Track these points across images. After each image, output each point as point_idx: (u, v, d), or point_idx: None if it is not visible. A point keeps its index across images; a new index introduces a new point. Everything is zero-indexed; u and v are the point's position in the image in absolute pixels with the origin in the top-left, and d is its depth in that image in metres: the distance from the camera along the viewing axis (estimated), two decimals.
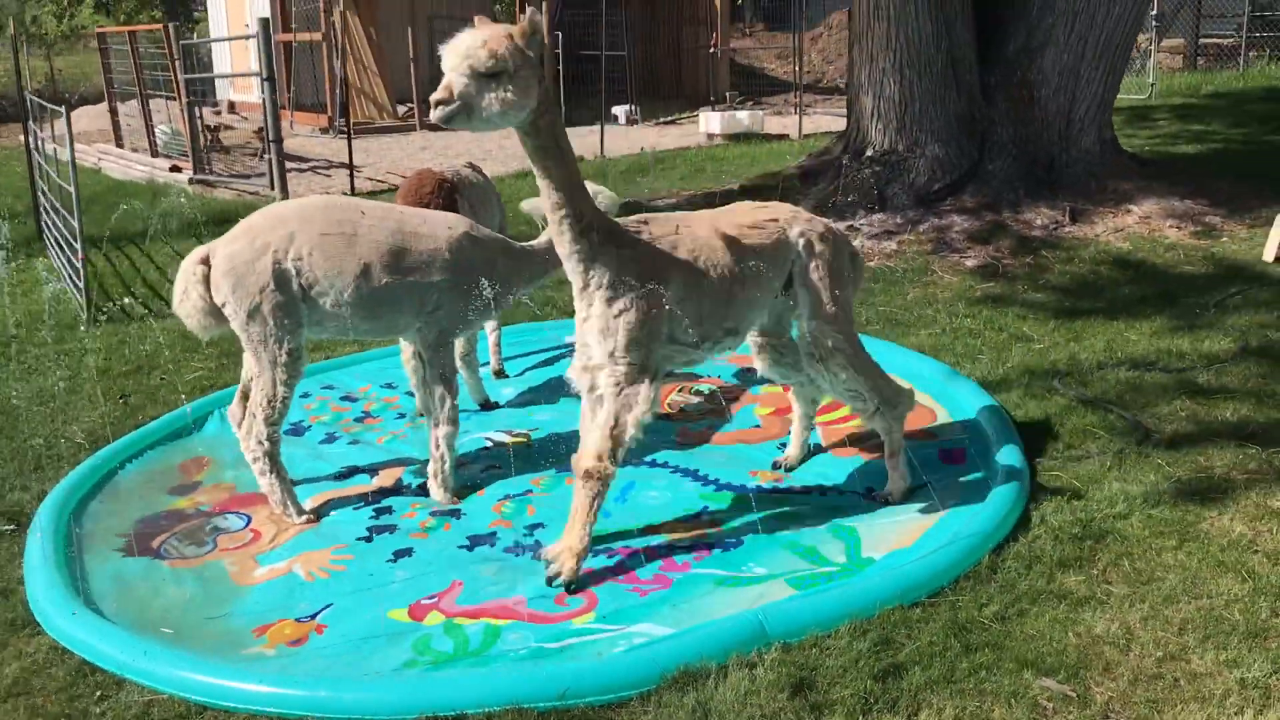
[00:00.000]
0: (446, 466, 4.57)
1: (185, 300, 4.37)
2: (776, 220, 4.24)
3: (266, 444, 4.40)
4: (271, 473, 4.43)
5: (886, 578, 3.66)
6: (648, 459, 4.85)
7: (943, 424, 5.04)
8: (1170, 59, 18.87)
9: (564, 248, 3.76)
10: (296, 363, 4.38)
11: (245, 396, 4.61)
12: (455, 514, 4.48)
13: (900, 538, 4.03)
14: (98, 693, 3.37)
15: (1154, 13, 16.40)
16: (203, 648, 3.54)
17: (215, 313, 4.35)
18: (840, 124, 13.02)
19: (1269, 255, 7.30)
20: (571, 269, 3.80)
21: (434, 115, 3.42)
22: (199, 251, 4.40)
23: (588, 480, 3.79)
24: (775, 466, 4.72)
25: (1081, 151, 8.71)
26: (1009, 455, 4.46)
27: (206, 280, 4.31)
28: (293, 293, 4.28)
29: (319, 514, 4.52)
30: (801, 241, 4.21)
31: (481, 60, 3.34)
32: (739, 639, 3.33)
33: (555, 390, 5.79)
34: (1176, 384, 5.32)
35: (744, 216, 4.23)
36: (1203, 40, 19.08)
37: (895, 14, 8.34)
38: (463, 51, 3.36)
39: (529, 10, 3.48)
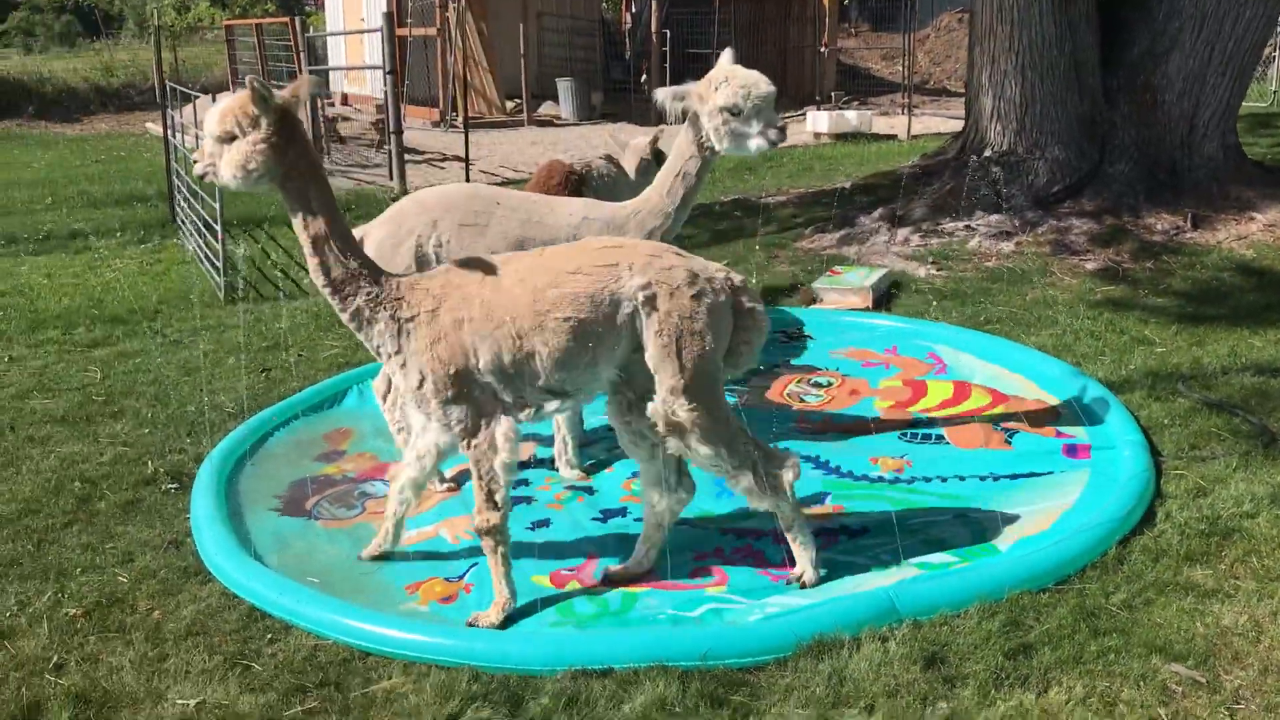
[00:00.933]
0: (570, 446, 4.78)
1: None
2: (614, 266, 3.58)
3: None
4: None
5: (1014, 563, 3.77)
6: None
7: (1066, 420, 5.09)
8: None
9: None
10: None
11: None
12: (588, 489, 4.68)
13: (1027, 528, 4.11)
14: (268, 636, 3.63)
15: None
16: (361, 601, 3.79)
17: None
18: (948, 125, 13.00)
19: None
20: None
21: (195, 171, 3.70)
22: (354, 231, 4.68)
23: (483, 538, 3.67)
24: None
25: (1204, 158, 8.61)
26: (1134, 452, 4.51)
27: None
28: None
29: (459, 482, 4.76)
30: (641, 296, 3.53)
31: (215, 125, 3.53)
32: (871, 613, 3.47)
33: None
34: None
35: (577, 258, 3.64)
36: None
37: (1019, 16, 8.35)
38: (213, 116, 3.56)
39: (248, 78, 3.58)
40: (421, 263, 4.50)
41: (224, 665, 3.46)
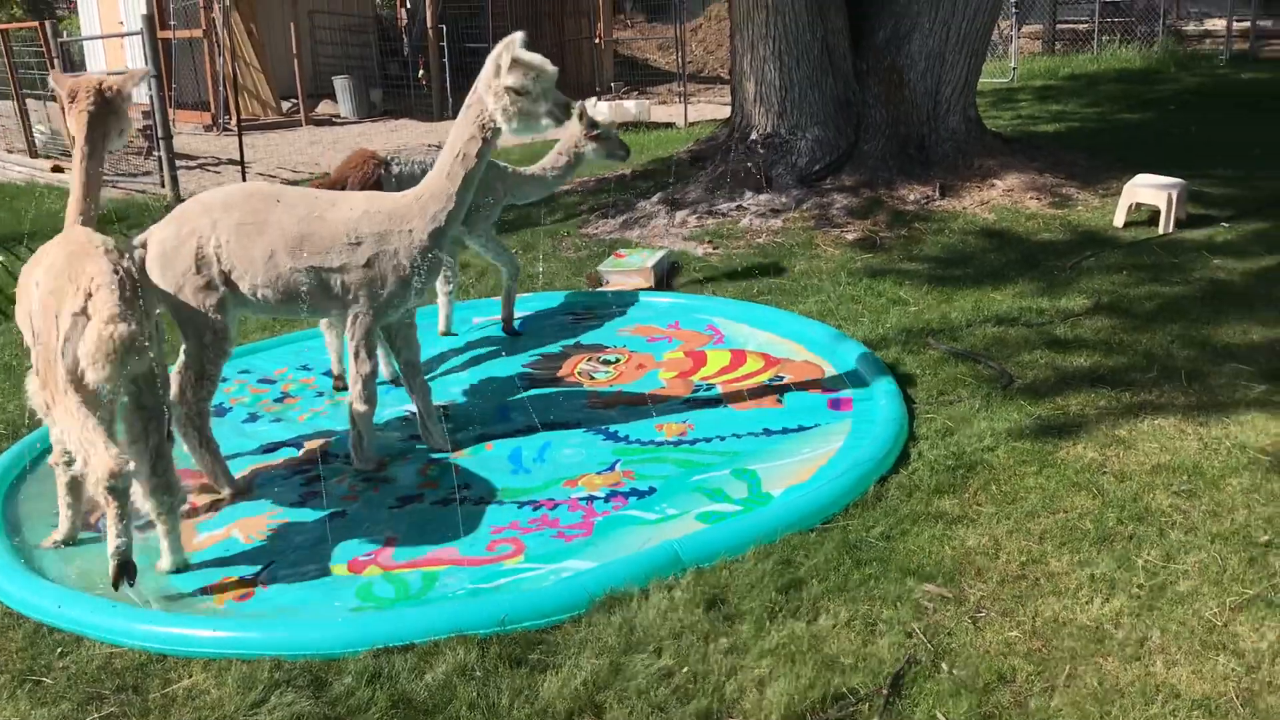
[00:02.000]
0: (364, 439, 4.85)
1: None
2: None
3: (196, 419, 4.61)
4: (202, 447, 4.64)
5: (786, 508, 4.09)
6: (562, 420, 5.19)
7: (831, 377, 5.49)
8: (1030, 44, 19.89)
9: None
10: (223, 342, 4.60)
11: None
12: (384, 479, 4.76)
13: (797, 475, 4.45)
14: (59, 649, 3.57)
15: (1014, 0, 17.33)
16: (156, 606, 3.77)
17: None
18: (723, 112, 13.48)
19: (1119, 221, 7.97)
20: None
21: None
22: (139, 239, 4.62)
23: None
24: None
25: (949, 131, 9.32)
26: (889, 401, 4.94)
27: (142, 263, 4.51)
28: (213, 276, 4.50)
29: (250, 484, 4.75)
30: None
31: None
32: (657, 566, 3.71)
33: (469, 364, 6.10)
34: (1037, 337, 5.87)
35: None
36: (1060, 26, 20.14)
37: (773, 2, 8.80)
38: None
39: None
40: (202, 263, 4.48)
41: (13, 683, 3.39)
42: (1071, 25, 20.11)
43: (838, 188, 8.88)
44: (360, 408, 4.77)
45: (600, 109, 6.67)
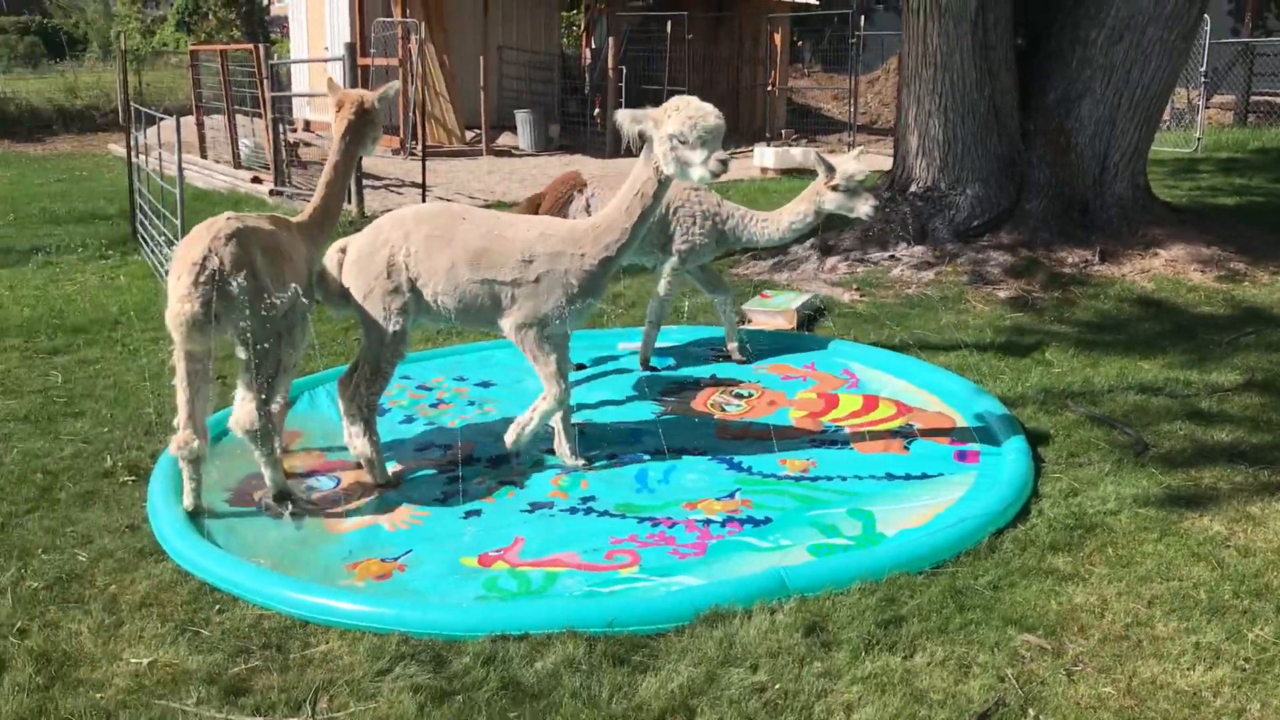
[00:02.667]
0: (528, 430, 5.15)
1: (323, 283, 5.14)
2: None
3: (365, 411, 5.03)
4: (366, 436, 5.05)
5: (896, 549, 4.20)
6: (690, 447, 5.41)
7: (961, 429, 5.55)
8: (1221, 114, 19.24)
9: None
10: (400, 344, 5.07)
11: (354, 369, 5.24)
12: (518, 484, 5.06)
13: (912, 519, 4.55)
14: (216, 607, 3.97)
15: (1204, 69, 16.82)
16: (304, 577, 4.15)
17: (345, 294, 5.09)
18: (889, 164, 13.52)
19: None
20: None
21: None
22: (339, 242, 5.21)
23: None
24: None
25: (1115, 197, 9.20)
26: (1017, 457, 4.98)
27: (340, 266, 5.11)
28: (401, 282, 4.96)
29: (399, 479, 5.12)
30: None
31: None
32: (762, 589, 3.87)
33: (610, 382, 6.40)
34: (1180, 408, 5.79)
35: None
36: (1254, 97, 19.42)
37: (942, 60, 8.91)
38: None
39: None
40: (392, 270, 4.94)
41: (174, 631, 3.79)
42: (1268, 97, 19.36)
43: (994, 245, 8.87)
44: (547, 406, 5.07)
45: (849, 163, 6.14)
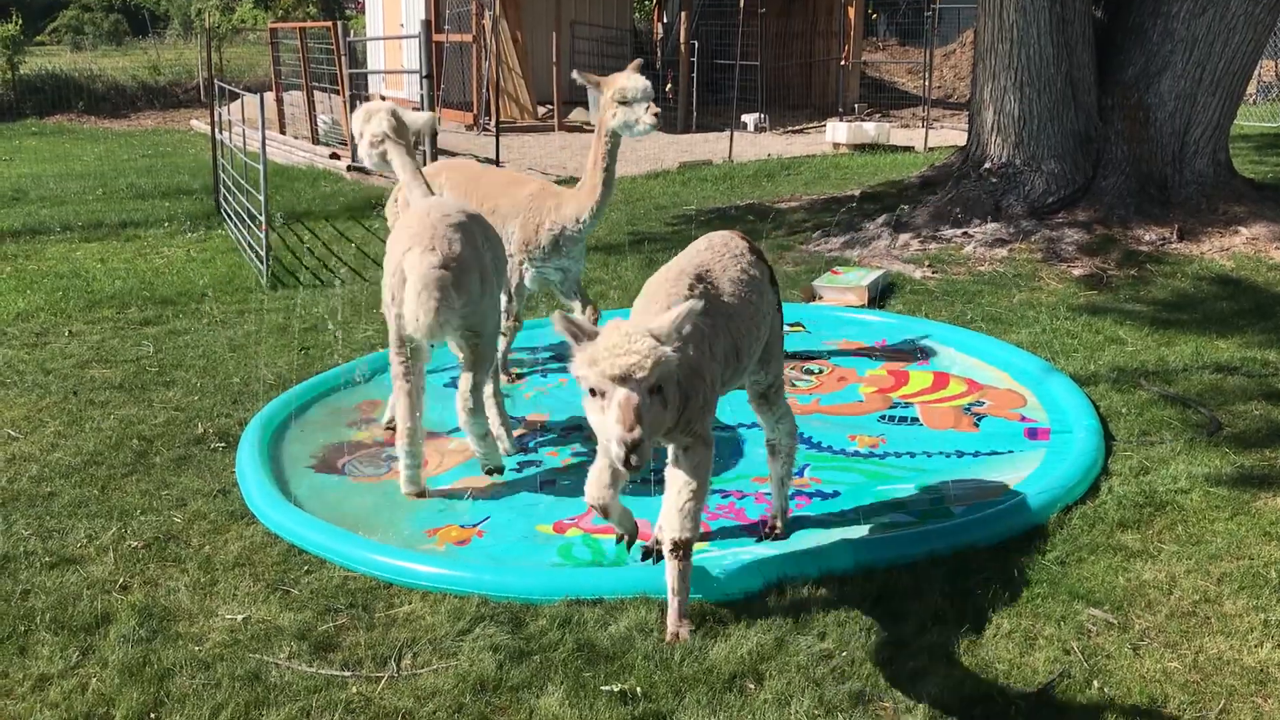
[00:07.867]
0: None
1: None
2: None
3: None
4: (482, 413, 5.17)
5: (964, 524, 4.25)
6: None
7: (1032, 406, 5.56)
8: None
9: None
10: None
11: None
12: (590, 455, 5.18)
13: (980, 496, 4.59)
14: (305, 568, 4.16)
15: None
16: (386, 541, 4.32)
17: None
18: (965, 138, 13.39)
19: None
20: None
21: None
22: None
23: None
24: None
25: (1194, 174, 9.04)
26: (1088, 435, 4.98)
27: None
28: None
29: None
30: None
31: None
32: (831, 561, 3.96)
33: None
34: (1256, 387, 5.73)
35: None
36: None
37: (1019, 35, 8.81)
38: None
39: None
40: None
41: (266, 590, 3.99)
42: None
43: (1069, 222, 8.78)
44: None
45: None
